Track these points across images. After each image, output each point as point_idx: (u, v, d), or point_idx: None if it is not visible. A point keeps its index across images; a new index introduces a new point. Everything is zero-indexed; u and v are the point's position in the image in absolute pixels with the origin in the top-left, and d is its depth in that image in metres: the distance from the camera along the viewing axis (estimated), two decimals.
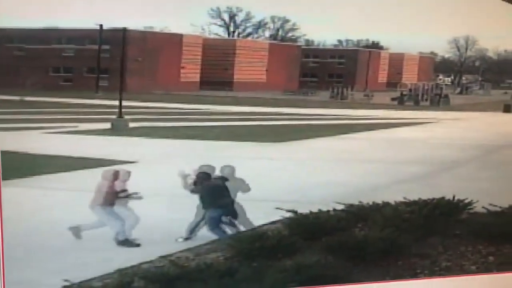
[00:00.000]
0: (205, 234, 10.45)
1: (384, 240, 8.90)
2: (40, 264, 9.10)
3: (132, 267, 8.60)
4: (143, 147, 22.71)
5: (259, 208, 12.33)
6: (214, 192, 10.49)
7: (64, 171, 16.77)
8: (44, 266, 8.99)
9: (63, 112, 35.90)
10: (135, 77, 65.15)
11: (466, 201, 10.73)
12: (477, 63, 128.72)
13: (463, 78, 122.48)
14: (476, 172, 18.44)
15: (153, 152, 21.46)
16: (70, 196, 13.92)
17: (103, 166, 17.75)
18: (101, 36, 63.30)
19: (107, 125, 28.26)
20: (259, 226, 10.80)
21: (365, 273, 8.03)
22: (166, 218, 11.86)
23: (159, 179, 16.27)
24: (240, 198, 13.18)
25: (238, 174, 17.04)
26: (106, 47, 64.17)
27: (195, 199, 13.78)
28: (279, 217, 10.46)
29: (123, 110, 29.86)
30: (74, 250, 9.78)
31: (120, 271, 8.38)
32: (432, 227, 9.68)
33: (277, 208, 10.46)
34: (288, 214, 10.28)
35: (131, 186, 15.26)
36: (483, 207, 10.41)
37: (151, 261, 8.97)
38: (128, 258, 9.12)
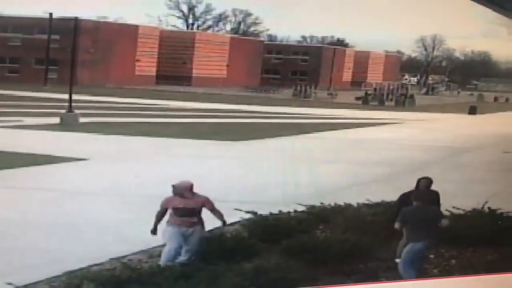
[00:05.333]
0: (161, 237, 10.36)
1: (345, 242, 9.05)
2: None
3: (81, 269, 8.52)
4: (94, 143, 22.47)
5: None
6: (424, 219, 8.26)
7: (9, 168, 16.47)
8: None
9: (8, 105, 35.22)
10: (87, 69, 64.42)
11: None
12: (444, 63, 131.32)
13: (430, 78, 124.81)
14: (440, 174, 18.79)
15: (105, 149, 21.25)
16: (14, 194, 13.67)
17: (52, 163, 17.57)
18: (51, 25, 62.34)
19: (56, 120, 27.87)
20: (217, 228, 10.81)
21: (326, 276, 8.14)
22: (117, 218, 11.78)
23: (111, 178, 16.15)
24: None
25: (194, 173, 17.08)
26: (56, 37, 63.27)
27: (148, 199, 13.74)
28: (237, 218, 10.50)
29: (73, 104, 29.49)
30: (19, 250, 9.62)
31: (68, 273, 8.30)
32: (395, 230, 9.85)
33: (235, 209, 10.50)
34: (247, 215, 10.35)
35: (81, 185, 15.16)
36: (446, 210, 10.64)
37: (101, 263, 8.90)
38: (78, 259, 9.03)
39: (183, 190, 8.49)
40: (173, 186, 8.55)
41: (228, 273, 7.70)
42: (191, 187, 8.56)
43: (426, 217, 8.28)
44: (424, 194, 8.72)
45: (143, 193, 14.16)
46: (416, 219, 8.24)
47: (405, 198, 9.23)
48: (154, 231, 8.66)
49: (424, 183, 9.28)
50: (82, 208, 12.62)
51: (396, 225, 8.44)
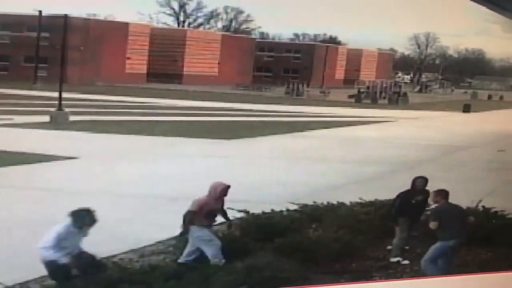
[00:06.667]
0: (153, 236, 10.35)
1: (338, 241, 9.06)
2: None
3: None
4: (84, 142, 22.40)
5: None
6: (456, 216, 8.41)
7: None
8: None
9: None
10: (77, 67, 64.17)
11: None
12: (437, 61, 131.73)
13: (423, 76, 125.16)
14: (433, 173, 18.84)
15: (95, 147, 21.20)
16: (4, 193, 13.61)
17: (42, 161, 17.51)
18: (40, 22, 62.05)
19: (46, 118, 27.78)
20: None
21: (319, 275, 8.14)
22: (108, 217, 11.73)
23: (101, 177, 16.10)
24: (183, 195, 13.14)
25: (186, 172, 17.06)
26: (46, 34, 62.99)
27: (139, 198, 13.71)
28: (230, 217, 10.46)
29: (63, 102, 29.36)
30: (10, 249, 9.58)
31: None
32: (388, 229, 9.88)
33: (227, 208, 10.47)
34: (240, 214, 10.34)
35: (71, 183, 15.11)
36: None
37: None
38: None
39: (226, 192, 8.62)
40: (218, 188, 8.58)
41: (220, 272, 7.70)
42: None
43: (457, 215, 8.44)
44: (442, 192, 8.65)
45: (134, 192, 14.15)
46: (448, 217, 8.36)
47: (404, 197, 9.26)
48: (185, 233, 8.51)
49: (421, 183, 9.32)
50: (72, 207, 12.54)
51: (431, 225, 8.41)
